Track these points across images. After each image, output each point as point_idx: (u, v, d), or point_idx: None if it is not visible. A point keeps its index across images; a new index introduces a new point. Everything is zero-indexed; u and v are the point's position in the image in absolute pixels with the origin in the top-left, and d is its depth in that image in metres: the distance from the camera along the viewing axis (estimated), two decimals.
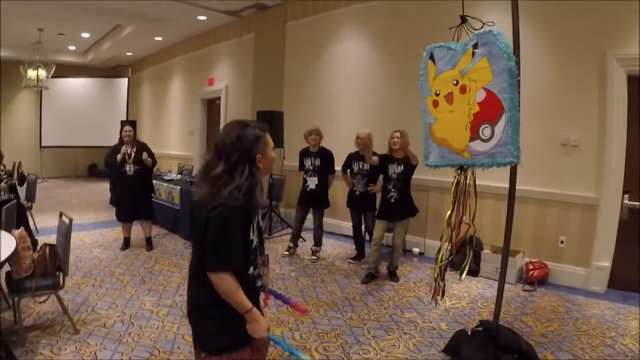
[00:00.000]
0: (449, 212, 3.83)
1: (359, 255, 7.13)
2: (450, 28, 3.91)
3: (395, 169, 6.06)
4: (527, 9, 5.82)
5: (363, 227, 7.16)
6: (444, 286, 4.05)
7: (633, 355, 4.14)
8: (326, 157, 7.06)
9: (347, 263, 6.86)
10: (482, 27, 3.77)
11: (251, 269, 2.36)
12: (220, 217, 2.16)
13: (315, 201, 7.11)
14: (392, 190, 6.07)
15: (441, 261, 3.95)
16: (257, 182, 2.28)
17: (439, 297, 4.06)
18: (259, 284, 2.46)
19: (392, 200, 6.07)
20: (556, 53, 6.12)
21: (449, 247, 3.91)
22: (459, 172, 3.85)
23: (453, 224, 3.84)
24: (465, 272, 4.03)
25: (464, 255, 6.40)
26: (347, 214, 7.34)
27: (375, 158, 6.18)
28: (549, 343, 4.35)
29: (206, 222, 2.19)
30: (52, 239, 4.78)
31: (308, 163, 7.08)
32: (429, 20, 7.24)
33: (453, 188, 3.85)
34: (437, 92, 3.76)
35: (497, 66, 3.45)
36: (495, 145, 3.54)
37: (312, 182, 7.02)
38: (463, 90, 3.65)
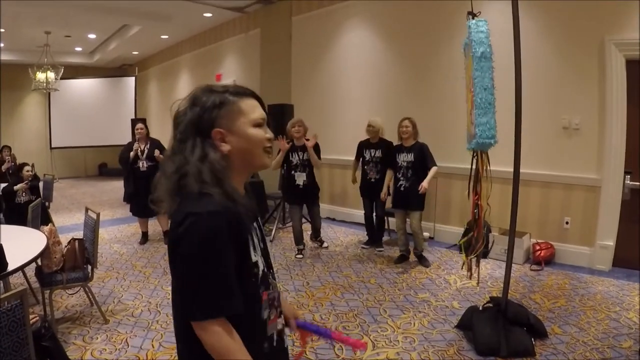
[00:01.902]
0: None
1: (371, 241, 7.18)
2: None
3: (404, 158, 6.18)
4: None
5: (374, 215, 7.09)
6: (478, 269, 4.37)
7: (637, 328, 4.32)
8: (315, 149, 6.61)
9: (360, 249, 7.03)
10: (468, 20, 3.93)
11: (265, 312, 1.59)
12: (193, 234, 1.39)
13: (308, 197, 6.85)
14: (402, 179, 6.20)
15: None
16: (216, 167, 1.48)
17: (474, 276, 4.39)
18: (280, 328, 1.70)
19: (402, 189, 6.21)
20: (556, 40, 6.28)
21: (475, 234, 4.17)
22: (474, 155, 4.05)
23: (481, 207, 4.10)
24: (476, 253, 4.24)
25: (472, 238, 6.63)
26: (358, 202, 7.47)
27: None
28: (557, 318, 4.56)
29: (171, 245, 1.46)
30: (69, 237, 4.95)
31: (295, 158, 6.68)
32: (434, 10, 7.39)
33: (479, 172, 4.09)
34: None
35: (473, 54, 3.65)
36: (474, 128, 3.74)
37: (301, 178, 6.67)
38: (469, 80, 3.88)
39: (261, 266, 1.58)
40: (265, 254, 1.67)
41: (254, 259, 1.54)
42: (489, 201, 4.15)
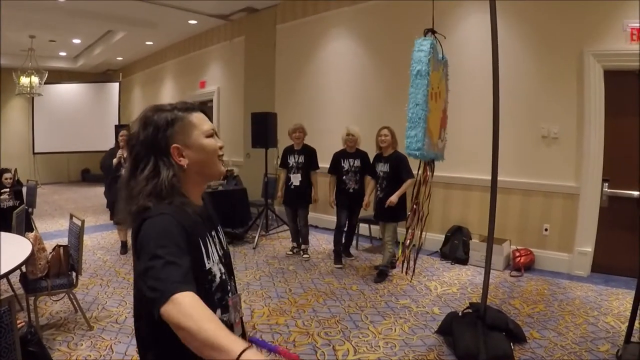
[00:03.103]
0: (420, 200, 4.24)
1: (340, 258, 6.80)
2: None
3: (382, 168, 6.16)
4: (507, 9, 6.15)
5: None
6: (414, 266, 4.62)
7: (614, 332, 4.42)
8: (310, 154, 7.05)
9: (343, 257, 6.95)
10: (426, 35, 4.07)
11: (218, 313, 1.61)
12: (149, 230, 1.44)
13: (299, 199, 7.07)
14: (379, 189, 6.21)
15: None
16: (168, 182, 1.54)
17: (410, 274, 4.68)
18: (238, 335, 1.62)
19: (378, 200, 6.21)
20: (536, 50, 6.39)
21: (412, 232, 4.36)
22: (429, 164, 4.26)
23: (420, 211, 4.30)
24: None
25: (452, 245, 6.76)
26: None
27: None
28: (535, 322, 4.65)
29: (135, 252, 1.50)
30: (52, 243, 4.96)
31: (292, 160, 7.04)
32: (414, 21, 7.44)
33: (421, 179, 4.28)
34: (432, 87, 3.92)
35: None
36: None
37: (296, 179, 6.99)
38: (438, 95, 4.06)
39: (217, 273, 1.63)
40: (226, 261, 1.74)
41: (207, 265, 1.58)
42: (429, 206, 4.31)
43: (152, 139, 1.57)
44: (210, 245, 1.64)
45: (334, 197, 6.85)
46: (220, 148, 1.71)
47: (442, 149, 4.38)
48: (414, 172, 6.01)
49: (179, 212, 1.51)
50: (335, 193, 6.85)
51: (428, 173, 4.25)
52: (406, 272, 4.63)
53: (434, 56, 3.87)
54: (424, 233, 4.37)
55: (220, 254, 1.70)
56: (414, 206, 4.31)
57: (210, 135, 1.67)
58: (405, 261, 4.49)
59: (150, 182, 1.53)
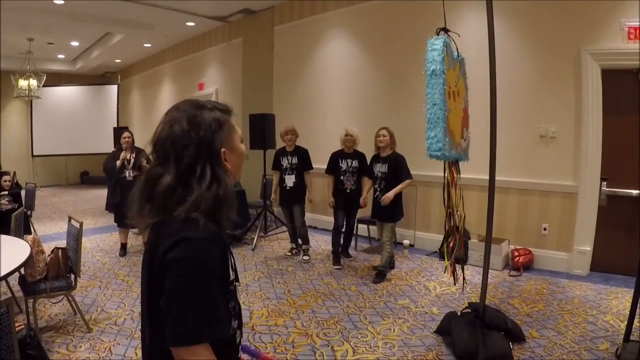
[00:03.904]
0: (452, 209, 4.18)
1: (338, 259, 6.83)
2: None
3: (380, 168, 6.18)
4: (504, 9, 6.15)
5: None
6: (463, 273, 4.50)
7: (614, 331, 4.42)
8: (302, 154, 7.08)
9: (341, 258, 6.96)
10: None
11: (235, 323, 1.58)
12: (188, 260, 1.34)
13: (294, 199, 7.07)
14: (377, 189, 6.21)
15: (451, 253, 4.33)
16: (226, 191, 1.46)
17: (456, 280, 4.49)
18: (238, 339, 1.63)
19: (376, 200, 6.20)
20: (533, 50, 6.40)
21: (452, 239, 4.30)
22: (453, 164, 4.16)
23: (454, 215, 4.19)
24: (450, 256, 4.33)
25: (454, 244, 6.72)
26: None
27: None
28: (534, 322, 4.65)
29: (161, 269, 1.37)
30: (51, 246, 4.95)
31: (285, 162, 7.06)
32: (412, 21, 7.49)
33: (449, 182, 4.17)
34: (449, 85, 3.89)
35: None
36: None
37: (290, 180, 7.02)
38: (456, 94, 4.00)
39: (234, 282, 1.56)
40: (235, 267, 1.62)
41: (231, 276, 1.50)
42: (464, 208, 4.23)
43: (207, 142, 1.45)
44: (231, 255, 1.55)
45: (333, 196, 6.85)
46: None
47: (465, 148, 4.31)
48: (411, 175, 6.07)
49: (219, 233, 1.44)
50: (332, 193, 6.84)
51: (455, 175, 4.20)
52: (455, 282, 4.58)
53: (448, 54, 3.84)
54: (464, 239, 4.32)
55: (232, 261, 1.58)
56: (449, 211, 4.24)
57: (242, 140, 1.62)
58: (451, 270, 4.41)
59: (209, 191, 1.42)
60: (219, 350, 1.39)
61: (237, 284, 1.59)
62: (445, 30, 4.01)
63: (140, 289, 1.61)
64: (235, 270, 1.58)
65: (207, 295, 1.34)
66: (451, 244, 4.36)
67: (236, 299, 1.58)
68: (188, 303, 1.32)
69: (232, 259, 1.56)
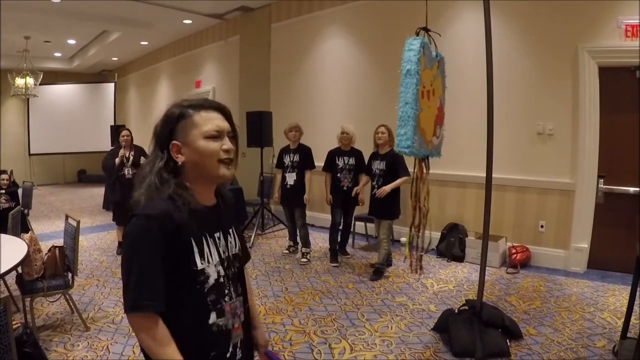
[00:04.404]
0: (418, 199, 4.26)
1: (336, 257, 6.83)
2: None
3: (378, 165, 6.18)
4: (501, 7, 6.15)
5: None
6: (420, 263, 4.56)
7: (611, 328, 4.42)
8: (305, 152, 6.99)
9: (338, 256, 6.94)
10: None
11: (213, 317, 1.61)
12: (129, 233, 1.53)
13: (295, 199, 6.97)
14: (375, 186, 6.20)
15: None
16: (157, 173, 1.58)
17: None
18: (236, 341, 1.70)
19: (374, 197, 6.20)
20: (530, 48, 6.40)
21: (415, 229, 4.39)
22: (423, 161, 4.25)
23: (421, 208, 4.37)
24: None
25: (448, 243, 6.77)
26: None
27: None
28: (532, 319, 4.65)
29: None
30: (49, 244, 4.95)
31: (287, 160, 7.01)
32: (409, 19, 7.45)
33: (417, 176, 4.29)
34: (424, 85, 3.94)
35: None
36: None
37: (291, 178, 6.95)
38: (431, 93, 4.08)
39: (213, 275, 1.62)
40: (230, 265, 1.72)
41: (199, 266, 1.58)
42: (428, 203, 4.35)
43: (159, 132, 1.64)
44: (209, 246, 1.63)
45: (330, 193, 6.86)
46: (226, 151, 1.65)
47: (437, 145, 4.37)
48: (410, 169, 6.07)
49: (167, 210, 1.53)
50: (329, 191, 6.85)
51: (423, 170, 4.26)
52: (416, 271, 4.61)
53: (425, 54, 3.88)
54: (427, 231, 4.41)
55: (222, 256, 1.68)
56: (416, 204, 4.30)
57: (210, 137, 1.62)
58: (412, 259, 4.51)
59: (149, 172, 1.60)
60: (189, 338, 1.56)
61: (222, 280, 1.67)
62: (426, 30, 4.06)
63: None
64: (225, 266, 1.69)
65: (139, 264, 1.49)
66: (416, 235, 4.48)
67: (220, 293, 1.65)
68: (125, 274, 1.50)
69: (208, 250, 1.63)
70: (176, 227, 1.53)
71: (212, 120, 1.64)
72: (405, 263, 6.60)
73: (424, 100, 3.89)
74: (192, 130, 1.61)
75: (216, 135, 1.64)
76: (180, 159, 1.61)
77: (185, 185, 1.62)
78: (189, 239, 1.57)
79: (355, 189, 6.61)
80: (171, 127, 1.62)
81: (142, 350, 1.57)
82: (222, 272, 1.65)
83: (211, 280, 1.61)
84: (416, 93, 3.75)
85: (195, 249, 1.58)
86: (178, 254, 1.54)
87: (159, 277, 1.49)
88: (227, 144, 1.66)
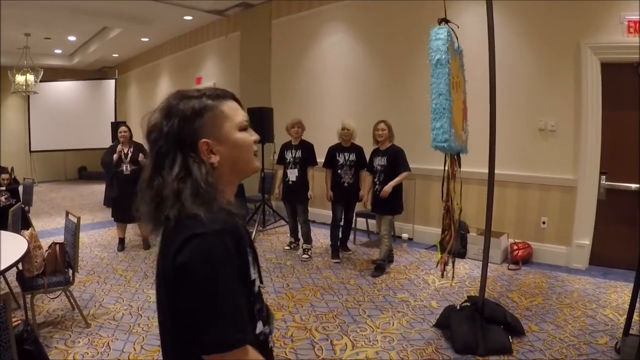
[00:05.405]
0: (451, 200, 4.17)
1: (337, 253, 6.82)
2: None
3: (379, 162, 6.18)
4: (504, 3, 6.13)
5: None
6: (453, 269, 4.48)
7: (613, 325, 4.41)
8: (307, 149, 6.96)
9: (340, 252, 6.94)
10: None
11: (259, 326, 1.42)
12: (202, 258, 1.21)
13: (297, 195, 6.95)
14: (377, 182, 6.20)
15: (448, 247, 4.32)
16: (199, 185, 1.29)
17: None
18: (271, 344, 1.53)
19: (376, 193, 6.20)
20: (533, 43, 6.38)
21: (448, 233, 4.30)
22: (455, 158, 4.16)
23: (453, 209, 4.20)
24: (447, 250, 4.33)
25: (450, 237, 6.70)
26: None
27: None
28: (534, 315, 4.65)
29: (174, 275, 1.25)
30: (50, 241, 4.93)
31: (289, 155, 6.95)
32: (411, 14, 7.46)
33: (449, 174, 4.17)
34: (453, 76, 3.85)
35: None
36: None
37: (293, 174, 6.90)
38: (458, 85, 3.98)
39: (257, 282, 1.42)
40: (259, 267, 1.47)
41: (252, 277, 1.37)
42: (462, 201, 4.22)
43: (177, 132, 1.33)
44: (252, 252, 1.41)
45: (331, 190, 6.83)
46: (255, 142, 1.49)
47: (465, 141, 4.29)
48: (409, 167, 6.06)
49: (230, 223, 1.31)
50: (330, 187, 6.83)
51: (455, 167, 4.19)
52: (443, 276, 4.59)
53: (451, 45, 3.83)
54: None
55: (254, 258, 1.44)
56: (447, 204, 4.23)
57: (244, 128, 1.45)
58: (443, 264, 4.43)
59: (182, 183, 1.29)
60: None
61: (260, 285, 1.46)
62: (446, 21, 3.99)
63: (156, 299, 1.45)
64: (258, 270, 1.45)
65: (228, 295, 1.23)
66: (447, 238, 4.33)
67: (262, 302, 1.46)
68: (211, 308, 1.21)
69: (253, 256, 1.42)
70: (239, 237, 1.32)
71: (238, 111, 1.46)
72: (406, 259, 6.61)
73: (454, 92, 3.79)
74: (224, 124, 1.39)
75: (247, 127, 1.47)
76: (214, 158, 1.37)
77: (221, 189, 1.37)
78: (246, 249, 1.36)
79: (360, 194, 6.65)
80: (195, 123, 1.35)
81: None
82: (258, 276, 1.45)
83: (256, 288, 1.41)
84: (449, 83, 3.65)
85: (250, 258, 1.38)
86: (242, 268, 1.32)
87: (243, 302, 1.28)
88: (254, 134, 1.50)
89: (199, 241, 1.22)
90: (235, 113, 1.43)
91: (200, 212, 1.24)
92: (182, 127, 1.33)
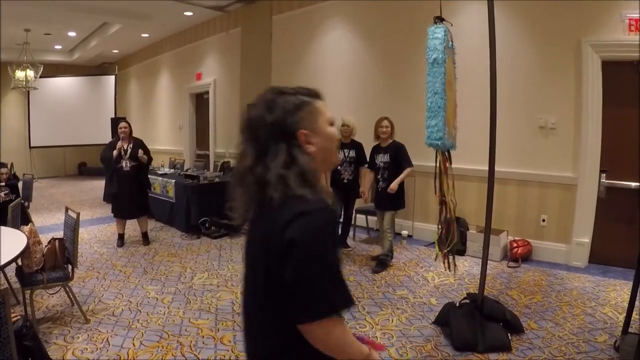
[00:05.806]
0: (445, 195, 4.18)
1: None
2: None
3: (382, 158, 6.17)
4: (506, 1, 6.10)
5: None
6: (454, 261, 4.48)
7: (612, 323, 4.41)
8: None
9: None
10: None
11: None
12: (311, 233, 1.36)
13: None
14: (380, 179, 6.20)
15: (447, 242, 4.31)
16: (306, 170, 1.46)
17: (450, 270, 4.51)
18: None
19: (380, 190, 6.21)
20: (534, 41, 6.36)
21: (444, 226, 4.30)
22: (445, 154, 4.17)
23: (447, 203, 4.20)
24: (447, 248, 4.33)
25: (449, 234, 6.71)
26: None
27: None
28: (533, 313, 4.64)
29: (282, 252, 1.37)
30: (49, 237, 4.92)
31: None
32: (412, 11, 7.45)
33: (441, 170, 4.16)
34: (448, 74, 3.90)
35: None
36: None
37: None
38: (451, 83, 3.99)
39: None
40: None
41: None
42: (461, 198, 4.24)
43: (280, 123, 1.50)
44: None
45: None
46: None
47: (455, 137, 4.33)
48: (412, 163, 6.05)
49: (330, 205, 1.47)
50: (330, 184, 6.75)
51: (447, 164, 4.21)
52: (447, 269, 4.58)
53: (447, 44, 3.84)
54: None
55: None
56: (442, 199, 4.25)
57: (332, 124, 1.63)
58: (445, 258, 4.45)
59: (287, 168, 1.45)
60: None
61: None
62: (441, 19, 4.00)
63: (243, 288, 1.64)
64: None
65: (335, 265, 1.40)
66: (443, 232, 4.34)
67: None
68: (321, 277, 1.36)
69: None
70: (335, 218, 1.53)
71: (327, 108, 1.63)
72: (406, 256, 6.61)
73: (447, 90, 3.83)
74: (319, 118, 1.57)
75: (334, 123, 1.66)
76: (311, 148, 1.52)
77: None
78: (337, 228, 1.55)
79: (361, 191, 6.64)
80: (296, 116, 1.51)
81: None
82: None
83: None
84: (444, 82, 3.69)
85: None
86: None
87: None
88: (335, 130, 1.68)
89: (308, 218, 1.38)
90: (326, 110, 1.61)
91: (306, 193, 1.42)
92: (284, 119, 1.50)
